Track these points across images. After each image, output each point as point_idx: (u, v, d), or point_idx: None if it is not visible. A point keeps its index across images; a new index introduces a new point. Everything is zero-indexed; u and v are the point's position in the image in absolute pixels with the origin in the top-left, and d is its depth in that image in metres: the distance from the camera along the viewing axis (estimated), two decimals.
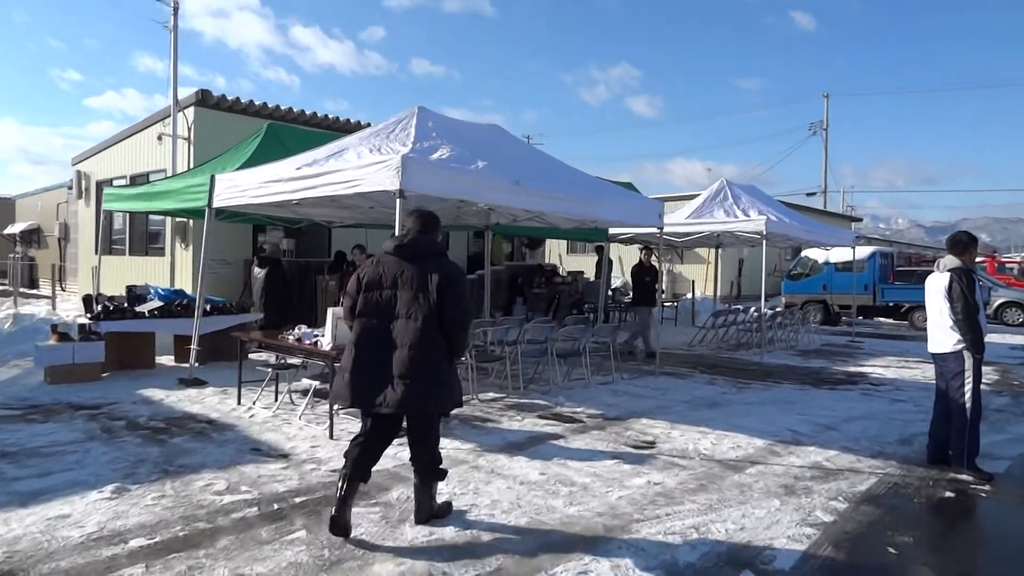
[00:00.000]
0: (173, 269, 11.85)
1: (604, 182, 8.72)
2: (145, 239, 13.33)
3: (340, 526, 3.56)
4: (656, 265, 10.80)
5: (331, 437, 5.51)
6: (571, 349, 8.41)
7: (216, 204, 7.50)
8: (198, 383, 7.48)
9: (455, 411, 4.03)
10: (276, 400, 6.58)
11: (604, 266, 13.75)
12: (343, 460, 3.72)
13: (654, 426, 6.26)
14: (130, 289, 8.60)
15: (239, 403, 6.62)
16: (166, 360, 8.85)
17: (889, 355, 11.87)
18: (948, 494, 4.66)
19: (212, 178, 7.55)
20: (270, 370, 6.54)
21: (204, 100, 11.82)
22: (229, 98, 12.02)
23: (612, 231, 12.45)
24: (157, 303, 8.27)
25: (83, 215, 15.52)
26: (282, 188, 6.67)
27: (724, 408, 7.15)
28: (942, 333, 5.04)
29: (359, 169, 5.97)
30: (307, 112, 13.14)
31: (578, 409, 6.87)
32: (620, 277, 25.13)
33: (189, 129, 11.89)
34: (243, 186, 7.15)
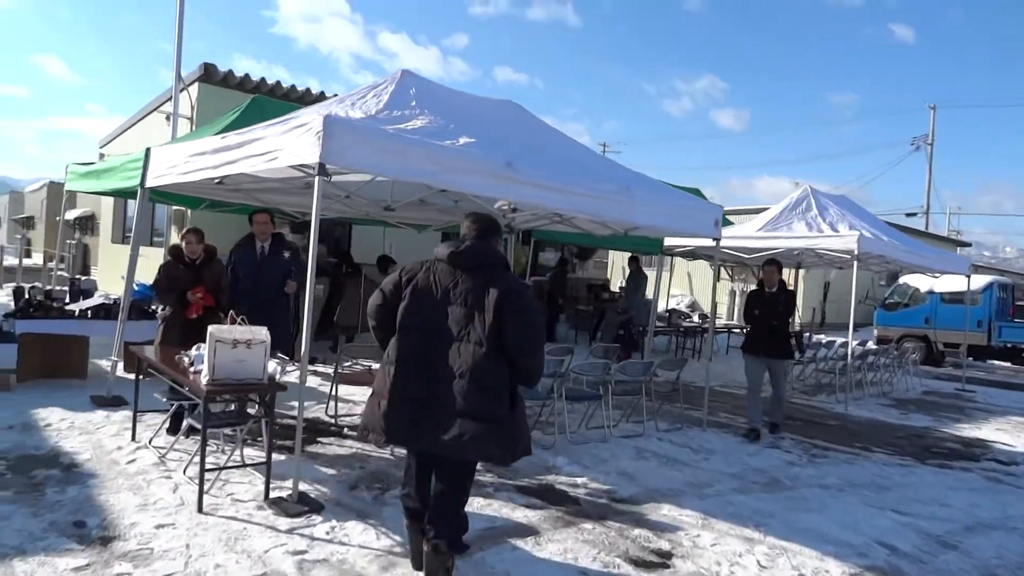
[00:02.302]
0: None
1: (647, 179, 6.80)
2: (151, 228, 12.25)
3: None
4: (773, 290, 6.94)
5: (199, 510, 3.86)
6: (593, 387, 6.54)
7: (150, 183, 6.06)
8: (115, 403, 6.04)
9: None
10: (176, 439, 5.01)
11: (635, 284, 11.91)
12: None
13: (678, 521, 4.32)
14: (73, 282, 7.29)
15: (133, 438, 5.10)
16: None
17: (1014, 413, 9.38)
18: None
19: (147, 152, 6.12)
20: (173, 402, 4.95)
21: (209, 76, 10.58)
22: (237, 74, 10.73)
23: (667, 242, 10.44)
24: (94, 302, 6.91)
25: (104, 201, 14.72)
26: (205, 163, 5.14)
27: (788, 493, 5.11)
28: None
29: (280, 137, 4.35)
30: (326, 93, 11.74)
31: (580, 479, 5.01)
32: (688, 296, 22.90)
33: (192, 108, 10.66)
34: (173, 160, 5.67)
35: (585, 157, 6.49)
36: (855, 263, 8.95)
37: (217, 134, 6.37)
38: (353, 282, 8.85)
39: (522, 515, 4.22)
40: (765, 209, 11.98)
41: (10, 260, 19.35)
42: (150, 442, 5.02)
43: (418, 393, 3.02)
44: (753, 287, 7.46)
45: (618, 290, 14.60)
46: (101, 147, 14.79)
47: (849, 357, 9.28)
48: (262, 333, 4.02)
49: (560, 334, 13.45)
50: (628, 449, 5.95)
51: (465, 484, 3.25)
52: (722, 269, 22.18)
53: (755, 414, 6.93)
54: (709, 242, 7.21)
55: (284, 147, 4.25)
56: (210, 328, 3.91)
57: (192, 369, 4.27)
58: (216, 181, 5.37)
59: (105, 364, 7.47)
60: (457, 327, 3.04)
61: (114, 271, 13.47)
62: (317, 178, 4.01)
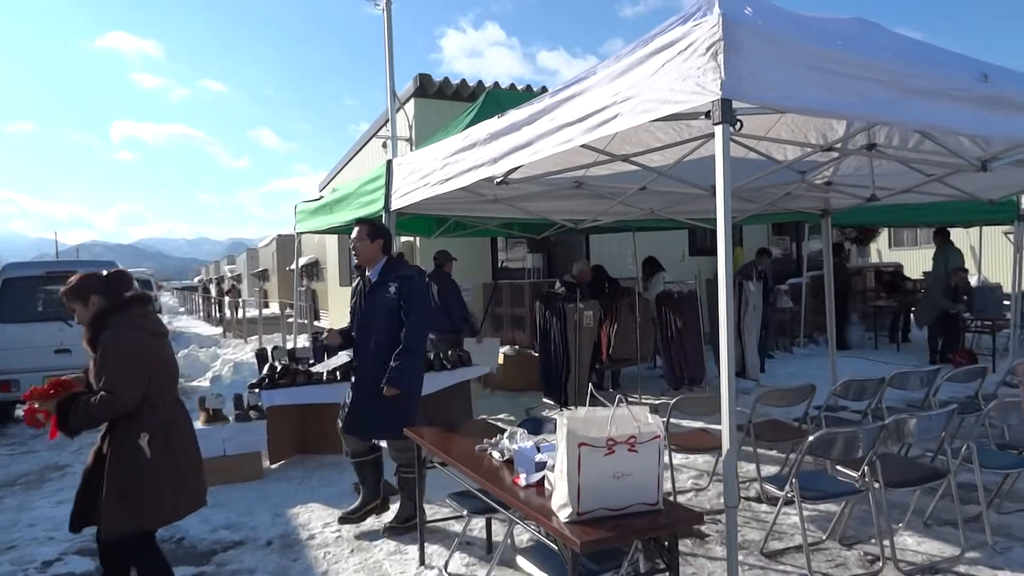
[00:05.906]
0: None
1: None
2: None
3: None
4: None
5: None
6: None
7: (397, 204, 4.70)
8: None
9: None
10: (491, 569, 3.43)
11: (943, 262, 9.06)
12: None
13: None
14: (315, 338, 6.22)
15: (422, 563, 3.60)
16: None
17: None
18: None
19: (388, 166, 4.78)
20: (464, 512, 3.37)
21: (424, 89, 9.50)
22: (453, 82, 9.54)
23: None
24: (340, 360, 5.72)
25: (329, 243, 14.48)
26: (477, 158, 3.57)
27: None
28: None
29: (621, 79, 2.60)
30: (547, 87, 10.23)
31: None
32: (976, 274, 18.61)
33: (410, 127, 9.63)
34: (425, 168, 4.23)
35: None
36: None
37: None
38: (625, 303, 7.06)
39: None
40: None
41: (252, 312, 20.33)
42: (446, 568, 3.48)
43: None
44: None
45: (923, 276, 11.49)
46: (320, 190, 14.57)
47: None
48: (650, 420, 2.25)
49: (854, 339, 10.74)
50: None
51: None
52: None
53: None
54: None
55: (634, 93, 2.49)
56: (563, 420, 2.20)
57: (522, 482, 2.60)
58: (498, 181, 3.80)
59: None
60: None
61: (344, 314, 13.02)
62: (719, 128, 2.18)
